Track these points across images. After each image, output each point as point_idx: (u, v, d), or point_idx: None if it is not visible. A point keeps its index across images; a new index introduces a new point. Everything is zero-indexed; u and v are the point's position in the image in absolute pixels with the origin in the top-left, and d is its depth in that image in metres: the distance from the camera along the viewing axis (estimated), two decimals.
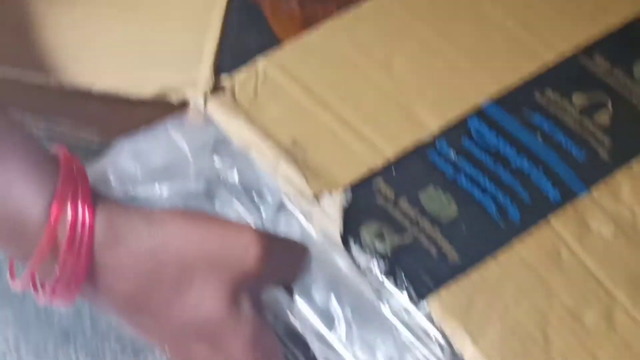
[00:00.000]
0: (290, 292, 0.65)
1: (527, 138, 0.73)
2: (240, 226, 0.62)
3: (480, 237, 0.68)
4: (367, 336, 0.64)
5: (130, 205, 0.61)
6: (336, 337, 0.64)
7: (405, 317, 0.65)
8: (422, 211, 0.68)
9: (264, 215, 0.70)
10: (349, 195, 0.68)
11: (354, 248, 0.66)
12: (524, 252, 0.67)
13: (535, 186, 0.70)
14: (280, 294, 0.66)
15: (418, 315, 0.65)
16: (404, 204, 0.69)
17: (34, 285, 0.60)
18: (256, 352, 0.61)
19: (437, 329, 0.64)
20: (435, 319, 0.64)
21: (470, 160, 0.71)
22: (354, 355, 0.64)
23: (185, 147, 0.69)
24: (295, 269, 0.65)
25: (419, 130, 0.73)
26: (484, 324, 0.64)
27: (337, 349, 0.64)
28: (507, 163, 0.71)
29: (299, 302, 0.65)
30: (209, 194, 0.70)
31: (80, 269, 0.58)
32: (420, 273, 0.66)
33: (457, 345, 0.63)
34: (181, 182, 0.68)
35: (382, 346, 0.64)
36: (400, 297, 0.65)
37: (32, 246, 0.57)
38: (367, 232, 0.67)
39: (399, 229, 0.68)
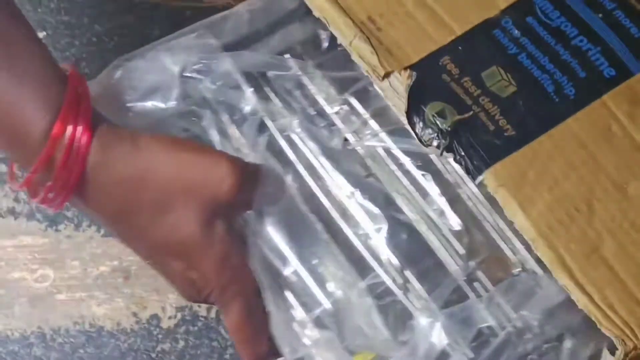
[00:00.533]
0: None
1: (589, 17, 0.75)
2: (218, 156, 0.69)
3: (536, 113, 0.71)
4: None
5: (122, 129, 0.68)
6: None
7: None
8: (484, 88, 0.72)
9: (244, 138, 0.77)
10: (416, 72, 0.72)
11: (418, 125, 0.71)
12: (577, 128, 0.71)
13: (593, 64, 0.73)
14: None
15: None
16: (467, 81, 0.73)
17: (29, 189, 0.67)
18: (225, 271, 0.69)
19: None
20: (490, 190, 0.69)
21: (533, 38, 0.74)
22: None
23: (174, 69, 0.75)
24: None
25: (487, 8, 0.76)
26: (533, 196, 0.68)
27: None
28: (567, 41, 0.74)
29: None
30: (196, 114, 0.77)
31: (71, 184, 0.66)
32: (478, 148, 0.70)
33: (508, 214, 0.69)
34: (170, 102, 0.75)
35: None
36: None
37: (33, 156, 0.65)
38: (430, 109, 0.71)
39: (460, 106, 0.72)
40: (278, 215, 0.73)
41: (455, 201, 0.75)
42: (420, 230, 0.75)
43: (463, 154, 0.70)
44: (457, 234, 0.74)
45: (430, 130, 0.70)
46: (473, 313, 0.70)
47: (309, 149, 0.77)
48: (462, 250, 0.74)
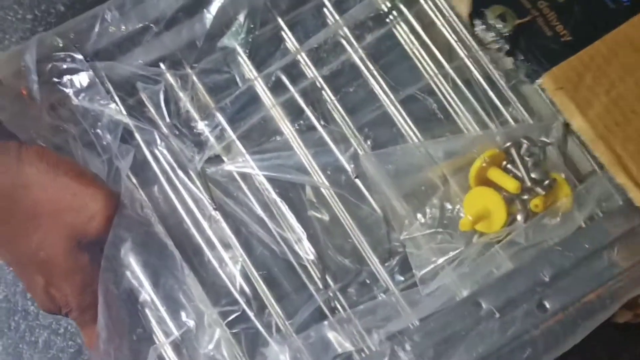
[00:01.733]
0: None
1: None
2: (97, 189, 0.68)
3: (592, 19, 0.74)
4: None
5: (10, 141, 0.67)
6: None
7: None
8: None
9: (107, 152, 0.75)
10: None
11: (479, 27, 0.74)
12: (632, 33, 0.73)
13: None
14: None
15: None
16: None
17: None
18: (86, 297, 0.69)
19: None
20: (548, 93, 0.72)
21: None
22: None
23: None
24: None
25: None
26: (590, 98, 0.71)
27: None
28: None
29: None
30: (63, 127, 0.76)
31: None
32: (537, 52, 0.73)
33: (566, 116, 0.71)
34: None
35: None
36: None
37: None
38: (492, 12, 0.74)
39: (520, 10, 0.74)
40: (135, 240, 0.71)
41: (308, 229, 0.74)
42: (279, 256, 0.74)
43: (522, 57, 0.73)
44: (314, 261, 0.72)
45: (492, 34, 0.74)
46: (327, 336, 0.69)
47: (171, 166, 0.75)
48: (319, 276, 0.72)
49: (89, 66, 0.74)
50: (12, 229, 0.67)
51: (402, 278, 0.73)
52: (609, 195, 0.72)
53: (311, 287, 0.73)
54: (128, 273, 0.71)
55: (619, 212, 0.72)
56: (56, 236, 0.67)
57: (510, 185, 0.70)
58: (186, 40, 0.78)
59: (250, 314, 0.72)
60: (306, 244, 0.73)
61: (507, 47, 0.73)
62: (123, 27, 0.76)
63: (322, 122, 0.77)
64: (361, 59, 0.78)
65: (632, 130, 0.70)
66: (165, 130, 0.75)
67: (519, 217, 0.71)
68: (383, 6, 0.80)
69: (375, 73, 0.78)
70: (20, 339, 0.81)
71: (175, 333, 0.70)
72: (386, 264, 0.74)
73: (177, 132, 0.75)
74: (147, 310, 0.71)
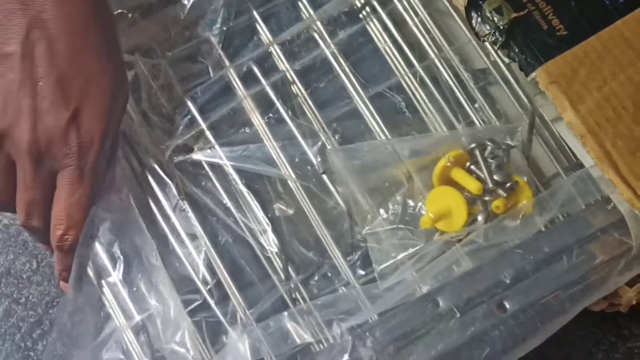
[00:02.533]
0: None
1: None
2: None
3: (588, 15, 0.74)
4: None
5: None
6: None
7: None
8: None
9: None
10: None
11: (475, 20, 0.74)
12: (626, 30, 0.73)
13: None
14: None
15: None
16: None
17: None
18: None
19: None
20: (541, 87, 0.72)
21: None
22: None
23: None
24: None
25: None
26: (583, 93, 0.71)
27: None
28: None
29: None
30: None
31: None
32: (532, 46, 0.73)
33: (558, 110, 0.71)
34: None
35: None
36: None
37: None
38: (488, 5, 0.74)
39: (516, 4, 0.74)
40: (114, 222, 0.71)
41: (273, 220, 0.75)
42: (243, 246, 0.74)
43: (517, 51, 0.73)
44: (277, 252, 0.72)
45: (487, 26, 0.74)
46: (287, 326, 0.69)
47: (139, 155, 0.75)
48: (282, 267, 0.73)
49: None
50: None
51: (363, 272, 0.73)
52: (571, 200, 0.72)
53: (274, 278, 0.74)
54: (102, 253, 0.70)
55: (580, 217, 0.73)
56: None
57: (472, 185, 0.71)
58: (161, 28, 0.78)
59: (212, 303, 0.72)
60: (270, 235, 0.74)
61: (502, 39, 0.74)
62: None
63: (292, 116, 0.77)
64: (333, 54, 0.78)
65: (622, 127, 0.71)
66: (134, 116, 0.75)
67: (480, 218, 0.71)
68: (357, 2, 0.80)
69: (347, 69, 0.78)
70: None
71: (137, 317, 0.70)
72: (348, 258, 0.74)
73: (146, 120, 0.75)
74: (110, 294, 0.71)
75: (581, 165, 0.75)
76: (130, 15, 0.77)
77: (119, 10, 0.77)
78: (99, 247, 0.70)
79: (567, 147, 0.76)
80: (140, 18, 0.77)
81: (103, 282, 0.71)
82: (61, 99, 0.64)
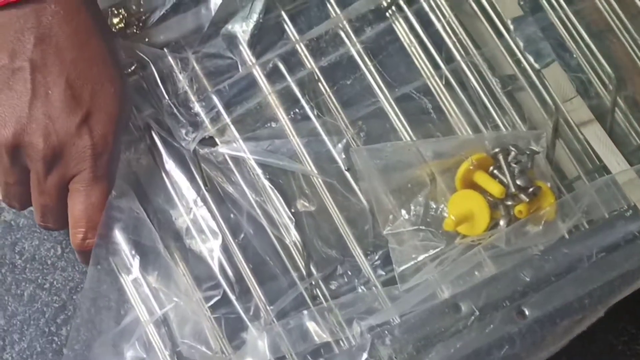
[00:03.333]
0: None
1: None
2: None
3: None
4: None
5: None
6: None
7: None
8: None
9: None
10: None
11: None
12: None
13: None
14: None
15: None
16: None
17: None
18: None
19: None
20: None
21: None
22: None
23: None
24: None
25: None
26: None
27: None
28: None
29: None
30: None
31: None
32: None
33: None
34: None
35: None
36: None
37: None
38: None
39: None
40: (127, 223, 0.71)
41: (295, 216, 0.74)
42: (265, 242, 0.74)
43: None
44: (299, 249, 0.72)
45: None
46: (307, 325, 0.69)
47: (165, 148, 0.74)
48: (303, 264, 0.72)
49: None
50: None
51: (383, 272, 0.73)
52: (594, 206, 0.71)
53: (294, 275, 0.73)
54: (119, 251, 0.70)
55: (605, 224, 0.71)
56: None
57: (495, 189, 0.70)
58: (191, 25, 0.77)
59: (232, 298, 0.71)
60: (292, 231, 0.73)
61: None
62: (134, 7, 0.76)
63: (317, 113, 0.76)
64: (359, 53, 0.77)
65: None
66: (162, 108, 0.75)
67: (502, 222, 0.70)
68: (384, 1, 0.79)
69: (372, 68, 0.77)
70: (5, 292, 0.81)
71: (159, 312, 0.70)
72: (369, 257, 0.73)
73: (173, 113, 0.75)
74: (133, 289, 0.71)
75: (604, 168, 0.74)
76: (158, 11, 0.76)
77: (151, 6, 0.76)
78: (116, 245, 0.70)
79: (591, 151, 0.75)
80: (172, 14, 0.77)
81: (123, 276, 0.71)
82: (71, 104, 0.66)
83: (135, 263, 0.70)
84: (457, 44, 0.77)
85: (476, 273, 0.69)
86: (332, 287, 0.74)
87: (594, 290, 0.69)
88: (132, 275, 0.70)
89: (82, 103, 0.66)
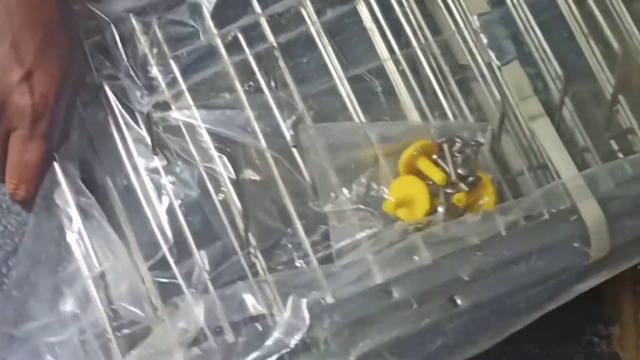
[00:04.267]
0: None
1: None
2: None
3: None
4: None
5: None
6: None
7: None
8: None
9: None
10: None
11: None
12: None
13: None
14: None
15: None
16: None
17: None
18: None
19: None
20: None
21: None
22: None
23: None
24: None
25: None
26: None
27: None
28: None
29: None
30: None
31: None
32: None
33: None
34: None
35: None
36: None
37: None
38: None
39: None
40: (72, 181, 0.72)
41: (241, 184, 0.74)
42: (210, 211, 0.74)
43: None
44: (242, 219, 0.71)
45: None
46: (243, 296, 0.69)
47: (119, 109, 0.74)
48: (243, 235, 0.72)
49: None
50: None
51: (322, 249, 0.73)
52: (536, 206, 0.71)
53: (236, 244, 0.73)
54: (62, 209, 0.71)
55: (544, 223, 0.72)
56: None
57: (437, 176, 0.70)
58: None
59: (171, 262, 0.71)
60: (236, 201, 0.73)
61: None
62: None
63: (272, 87, 0.76)
64: (318, 32, 0.77)
65: None
66: (120, 69, 0.75)
67: (440, 209, 0.70)
68: None
69: (330, 48, 0.76)
70: None
71: (98, 269, 0.70)
72: (309, 233, 0.73)
73: (130, 74, 0.74)
74: (74, 245, 0.71)
75: (547, 166, 0.75)
76: None
77: None
78: (58, 204, 0.70)
79: (537, 147, 0.75)
80: None
81: (65, 232, 0.71)
82: (15, 61, 0.67)
83: (76, 220, 0.70)
84: (417, 29, 0.77)
85: (415, 258, 0.69)
86: (272, 259, 0.73)
87: (530, 295, 0.70)
88: (73, 232, 0.70)
89: (24, 63, 0.67)
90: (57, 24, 0.68)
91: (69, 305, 0.70)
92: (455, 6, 0.77)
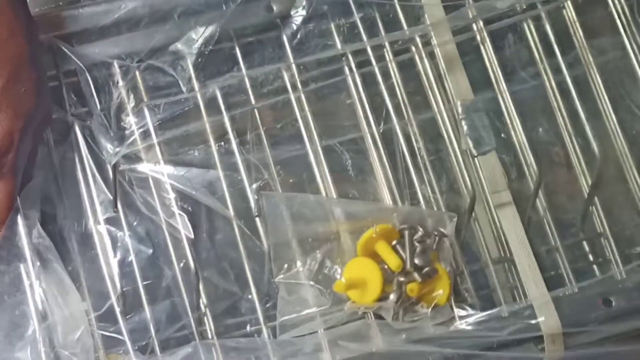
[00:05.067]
0: None
1: None
2: None
3: None
4: None
5: None
6: None
7: None
8: None
9: None
10: None
11: None
12: None
13: None
14: None
15: None
16: None
17: None
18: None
19: None
20: None
21: None
22: None
23: None
24: None
25: None
26: None
27: None
28: None
29: None
30: None
31: None
32: None
33: None
34: None
35: None
36: None
37: None
38: None
39: None
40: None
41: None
42: (164, 267, 0.72)
43: None
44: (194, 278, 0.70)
45: None
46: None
47: (86, 154, 0.73)
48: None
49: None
50: None
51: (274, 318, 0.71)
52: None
53: (186, 303, 0.71)
54: (19, 254, 0.70)
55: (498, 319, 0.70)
56: None
57: (393, 262, 0.68)
58: (145, 40, 0.75)
59: (118, 315, 0.69)
60: (190, 259, 0.71)
61: None
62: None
63: (244, 148, 0.74)
64: (298, 99, 0.75)
65: None
66: (95, 113, 0.73)
67: (392, 296, 0.68)
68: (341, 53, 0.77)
69: (308, 116, 0.75)
70: None
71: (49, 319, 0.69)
72: (263, 300, 0.71)
73: (103, 123, 0.73)
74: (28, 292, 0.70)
75: (512, 261, 0.73)
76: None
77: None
78: (18, 248, 0.69)
79: (504, 238, 0.73)
80: (126, 30, 0.75)
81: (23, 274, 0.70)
82: None
83: (33, 267, 0.69)
84: (398, 106, 0.75)
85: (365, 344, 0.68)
86: (224, 322, 0.72)
87: None
88: (30, 279, 0.69)
89: None
90: (25, 59, 0.67)
91: (18, 351, 0.69)
92: (438, 89, 0.75)
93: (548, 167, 0.77)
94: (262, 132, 0.74)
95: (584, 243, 0.76)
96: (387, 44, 0.76)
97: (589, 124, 0.74)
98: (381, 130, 0.75)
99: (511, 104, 0.75)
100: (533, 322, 0.70)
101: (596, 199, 0.76)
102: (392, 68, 0.76)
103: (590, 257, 0.76)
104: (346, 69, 0.77)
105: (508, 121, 0.76)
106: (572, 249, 0.76)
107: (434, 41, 0.76)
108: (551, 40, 0.77)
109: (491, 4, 0.76)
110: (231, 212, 0.72)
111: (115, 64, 0.74)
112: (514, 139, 0.76)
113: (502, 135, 0.76)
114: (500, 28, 0.77)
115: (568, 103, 0.76)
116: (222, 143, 0.74)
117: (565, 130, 0.77)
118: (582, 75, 0.77)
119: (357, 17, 0.77)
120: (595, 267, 0.76)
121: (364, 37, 0.77)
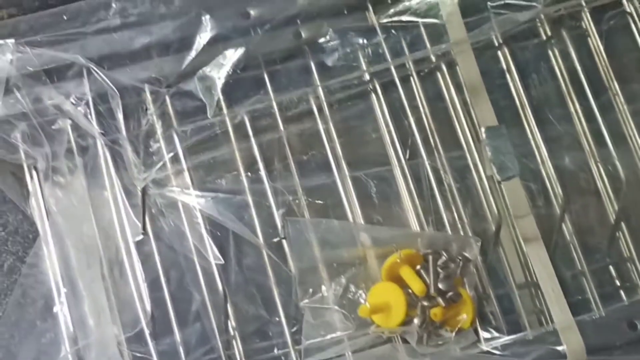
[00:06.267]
0: None
1: None
2: None
3: None
4: None
5: None
6: None
7: None
8: None
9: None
10: None
11: None
12: None
13: None
14: None
15: None
16: None
17: None
18: None
19: None
20: None
21: None
22: None
23: None
24: None
25: None
26: None
27: None
28: None
29: None
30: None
31: None
32: None
33: None
34: None
35: None
36: None
37: None
38: None
39: None
40: (61, 251, 0.71)
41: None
42: (195, 290, 0.72)
43: None
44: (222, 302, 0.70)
45: None
46: None
47: (116, 180, 0.73)
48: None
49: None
50: None
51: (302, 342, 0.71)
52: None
53: (215, 326, 0.71)
54: (48, 280, 0.70)
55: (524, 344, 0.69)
56: None
57: (417, 286, 0.67)
58: (175, 65, 0.75)
59: (147, 336, 0.70)
60: (218, 282, 0.71)
61: None
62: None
63: (271, 176, 0.74)
64: (326, 130, 0.75)
65: None
66: (125, 138, 0.74)
67: (416, 321, 0.68)
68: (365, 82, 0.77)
69: (337, 146, 0.75)
70: None
71: (79, 344, 0.69)
72: (291, 324, 0.71)
73: (133, 147, 0.74)
74: (60, 318, 0.70)
75: (537, 285, 0.72)
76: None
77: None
78: (44, 276, 0.70)
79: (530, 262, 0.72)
80: (157, 55, 0.75)
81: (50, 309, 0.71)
82: None
83: (61, 293, 0.70)
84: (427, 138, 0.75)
85: None
86: (252, 345, 0.72)
87: None
88: (57, 306, 0.70)
89: None
90: None
91: None
92: (464, 117, 0.75)
93: (575, 192, 0.75)
94: (291, 162, 0.74)
95: (611, 267, 0.75)
96: (410, 63, 0.76)
97: (614, 149, 0.73)
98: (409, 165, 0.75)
99: (537, 132, 0.75)
100: (558, 348, 0.69)
101: (622, 224, 0.74)
102: (417, 91, 0.75)
103: (617, 282, 0.74)
104: (373, 96, 0.77)
105: (535, 149, 0.75)
106: (598, 274, 0.74)
107: (457, 61, 0.76)
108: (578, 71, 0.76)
109: (512, 17, 0.75)
110: (260, 239, 0.72)
111: (147, 88, 0.75)
112: (540, 165, 0.75)
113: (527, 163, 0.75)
114: (525, 58, 0.77)
115: (593, 128, 0.75)
116: (249, 173, 0.74)
117: (591, 156, 0.75)
118: (607, 102, 0.76)
119: (381, 38, 0.77)
120: (621, 291, 0.74)
121: (389, 58, 0.76)
